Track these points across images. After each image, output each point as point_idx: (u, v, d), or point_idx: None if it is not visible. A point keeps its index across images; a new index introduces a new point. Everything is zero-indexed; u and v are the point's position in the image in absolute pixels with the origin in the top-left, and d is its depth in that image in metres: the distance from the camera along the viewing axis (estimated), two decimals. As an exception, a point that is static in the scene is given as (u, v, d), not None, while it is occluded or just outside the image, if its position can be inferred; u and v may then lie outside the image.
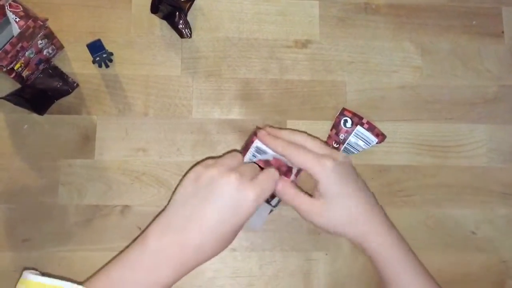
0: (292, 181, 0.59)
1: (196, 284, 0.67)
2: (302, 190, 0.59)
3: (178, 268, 0.51)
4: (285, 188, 0.58)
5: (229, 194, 0.51)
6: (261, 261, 0.68)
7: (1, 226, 0.66)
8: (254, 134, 0.60)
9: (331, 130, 0.71)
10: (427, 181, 0.72)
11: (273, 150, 0.58)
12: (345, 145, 0.69)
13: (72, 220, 0.67)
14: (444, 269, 0.70)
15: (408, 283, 0.57)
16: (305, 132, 0.62)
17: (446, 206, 0.71)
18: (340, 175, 0.56)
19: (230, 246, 0.66)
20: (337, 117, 0.71)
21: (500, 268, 0.70)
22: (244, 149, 0.61)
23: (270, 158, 0.60)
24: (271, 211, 0.67)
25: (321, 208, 0.56)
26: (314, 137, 0.61)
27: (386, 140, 0.71)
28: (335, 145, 0.70)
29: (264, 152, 0.59)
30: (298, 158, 0.56)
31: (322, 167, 0.55)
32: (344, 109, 0.71)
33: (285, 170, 0.59)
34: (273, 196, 0.63)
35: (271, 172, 0.56)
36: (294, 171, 0.60)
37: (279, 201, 0.66)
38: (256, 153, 0.60)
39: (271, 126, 0.67)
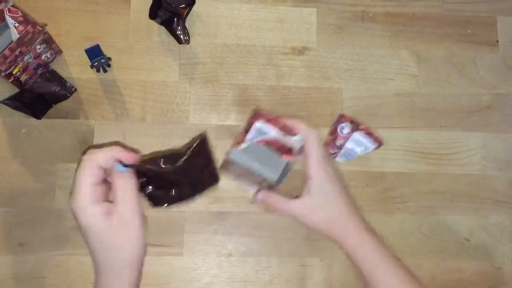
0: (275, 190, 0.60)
1: (192, 289, 0.67)
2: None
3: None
4: (267, 197, 0.59)
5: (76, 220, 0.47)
6: (257, 266, 0.68)
7: (-2, 230, 0.66)
8: (254, 115, 0.59)
9: (328, 136, 0.72)
10: (421, 188, 0.72)
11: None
12: (342, 151, 0.70)
13: (68, 224, 0.67)
14: (438, 275, 0.71)
15: (385, 277, 0.57)
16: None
17: (440, 213, 0.72)
18: (331, 177, 0.57)
19: (225, 252, 0.67)
20: (334, 123, 0.71)
21: (493, 275, 0.71)
22: (245, 131, 0.60)
23: (271, 139, 0.59)
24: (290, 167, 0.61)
25: (311, 207, 0.57)
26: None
27: (381, 147, 0.72)
28: (332, 151, 0.70)
29: (265, 133, 0.59)
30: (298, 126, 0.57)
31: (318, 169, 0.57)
32: (341, 116, 0.72)
33: (286, 149, 0.59)
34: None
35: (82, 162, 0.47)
36: (295, 150, 0.59)
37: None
38: (257, 134, 0.59)
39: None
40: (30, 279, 0.65)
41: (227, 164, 0.59)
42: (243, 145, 0.58)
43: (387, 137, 0.73)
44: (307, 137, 0.57)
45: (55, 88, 0.69)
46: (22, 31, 0.61)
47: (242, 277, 0.68)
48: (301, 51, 0.75)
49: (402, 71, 0.75)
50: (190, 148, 0.51)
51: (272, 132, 0.59)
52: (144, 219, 0.48)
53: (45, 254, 0.66)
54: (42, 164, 0.68)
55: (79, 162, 0.47)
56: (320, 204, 0.57)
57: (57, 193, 0.67)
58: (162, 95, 0.71)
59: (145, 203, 0.51)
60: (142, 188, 0.50)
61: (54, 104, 0.69)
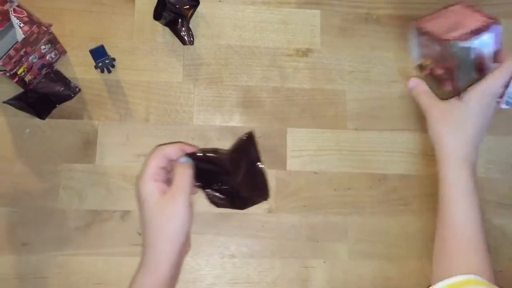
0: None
1: (195, 290, 0.67)
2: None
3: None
4: (419, 85, 0.67)
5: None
6: (260, 268, 0.68)
7: (2, 229, 0.66)
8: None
9: None
10: (424, 190, 0.72)
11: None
12: (505, 97, 0.67)
13: (72, 224, 0.67)
14: (441, 278, 0.70)
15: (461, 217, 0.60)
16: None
17: (443, 215, 0.72)
18: (487, 98, 0.62)
19: (228, 253, 0.67)
20: None
21: (495, 278, 0.70)
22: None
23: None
24: None
25: (444, 115, 0.62)
26: None
27: (385, 149, 0.72)
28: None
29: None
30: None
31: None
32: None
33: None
34: None
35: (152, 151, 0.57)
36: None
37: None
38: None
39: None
40: (33, 279, 0.65)
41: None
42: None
43: (391, 140, 0.73)
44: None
45: (59, 88, 0.69)
46: (28, 31, 0.61)
47: (245, 278, 0.68)
48: (305, 52, 0.75)
49: (405, 73, 0.75)
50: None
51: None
52: (191, 205, 0.55)
53: (48, 254, 0.66)
54: (45, 164, 0.68)
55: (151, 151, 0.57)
56: (455, 120, 0.62)
57: (60, 193, 0.67)
58: (166, 96, 0.71)
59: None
60: (202, 186, 0.60)
61: (58, 104, 0.69)
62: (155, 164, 0.55)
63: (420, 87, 0.67)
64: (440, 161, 0.63)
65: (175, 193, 0.54)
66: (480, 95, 0.61)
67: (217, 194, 0.61)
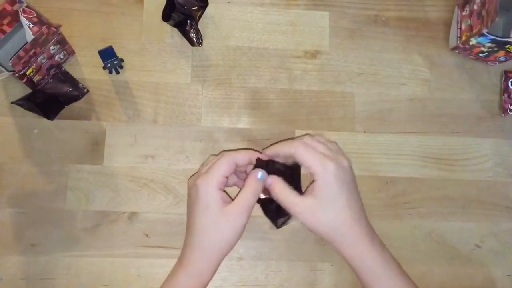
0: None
1: (202, 292, 0.67)
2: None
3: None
4: (276, 184, 0.55)
5: (192, 195, 0.56)
6: (267, 270, 0.68)
7: (10, 230, 0.66)
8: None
9: (502, 95, 0.74)
10: (433, 193, 0.72)
11: (280, 152, 0.56)
12: None
13: (79, 225, 0.67)
14: (448, 282, 0.70)
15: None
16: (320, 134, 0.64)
17: (451, 219, 0.72)
18: (338, 179, 0.53)
19: (236, 255, 0.67)
20: (504, 81, 0.74)
21: (504, 282, 0.70)
22: None
23: None
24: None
25: (312, 208, 0.53)
26: (330, 140, 0.60)
27: (393, 152, 0.72)
28: (511, 107, 0.73)
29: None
30: (303, 156, 0.54)
31: (324, 169, 0.53)
32: (508, 72, 0.74)
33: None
34: (279, 214, 0.63)
35: (222, 156, 0.56)
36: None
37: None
38: None
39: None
40: (40, 280, 0.65)
41: None
42: None
43: (399, 142, 0.73)
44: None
45: (68, 89, 0.69)
46: (37, 32, 0.61)
47: (252, 281, 0.68)
48: (314, 54, 0.75)
49: (414, 76, 0.75)
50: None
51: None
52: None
53: (56, 255, 0.66)
54: (53, 165, 0.68)
55: (219, 153, 0.58)
56: (323, 206, 0.53)
57: (68, 194, 0.67)
58: (174, 97, 0.71)
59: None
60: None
61: (66, 105, 0.69)
62: (224, 172, 0.54)
63: (277, 185, 0.55)
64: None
65: (241, 210, 0.53)
66: (328, 174, 0.54)
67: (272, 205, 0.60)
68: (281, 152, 0.56)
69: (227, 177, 0.55)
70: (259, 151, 0.58)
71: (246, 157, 0.56)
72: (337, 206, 0.54)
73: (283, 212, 0.61)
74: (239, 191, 0.55)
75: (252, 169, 0.56)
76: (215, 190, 0.53)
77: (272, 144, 0.58)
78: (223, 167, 0.54)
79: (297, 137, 0.71)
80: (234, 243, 0.54)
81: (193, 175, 0.62)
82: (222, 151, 0.64)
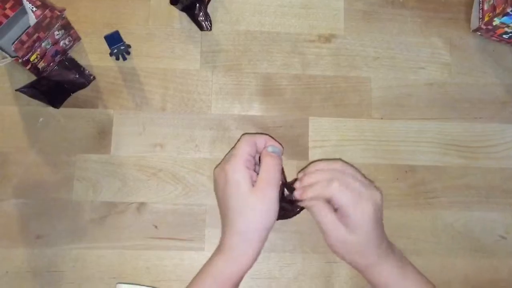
0: None
1: (213, 285, 0.65)
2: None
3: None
4: (322, 210, 0.55)
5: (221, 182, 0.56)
6: (281, 263, 0.66)
7: (15, 221, 0.64)
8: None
9: None
10: (454, 182, 0.69)
11: (318, 196, 0.55)
12: None
13: (87, 216, 0.65)
14: (471, 274, 0.67)
15: None
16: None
17: (474, 209, 0.68)
18: (374, 220, 0.54)
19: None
20: None
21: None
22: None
23: None
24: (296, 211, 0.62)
25: (344, 237, 0.54)
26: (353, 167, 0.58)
27: (412, 139, 0.69)
28: None
29: None
30: (340, 200, 0.53)
31: (362, 212, 0.53)
32: None
33: None
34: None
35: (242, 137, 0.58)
36: None
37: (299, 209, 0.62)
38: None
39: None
40: (47, 273, 0.63)
41: None
42: None
43: (418, 129, 0.70)
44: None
45: (73, 76, 0.67)
46: (40, 15, 0.59)
47: (266, 274, 0.65)
48: (328, 38, 0.72)
49: (434, 59, 0.72)
50: None
51: None
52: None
53: (63, 247, 0.64)
54: (59, 155, 0.66)
55: (239, 140, 0.58)
56: (355, 238, 0.54)
57: (75, 184, 0.65)
58: (183, 84, 0.69)
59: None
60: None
61: (72, 93, 0.67)
62: (248, 150, 0.55)
63: (318, 203, 0.56)
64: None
65: (266, 187, 0.53)
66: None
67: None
68: (319, 196, 0.55)
69: (252, 157, 0.56)
70: (275, 139, 0.60)
71: (263, 140, 0.58)
72: (368, 239, 0.54)
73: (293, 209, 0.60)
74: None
75: None
76: (244, 169, 0.54)
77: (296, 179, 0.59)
78: (245, 147, 0.55)
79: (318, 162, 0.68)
80: (270, 221, 0.54)
81: (217, 165, 0.60)
82: (242, 134, 0.64)
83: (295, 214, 0.62)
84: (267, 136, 0.59)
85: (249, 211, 0.53)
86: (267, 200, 0.53)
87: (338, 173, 0.55)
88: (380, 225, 0.56)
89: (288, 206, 0.60)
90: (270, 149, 0.57)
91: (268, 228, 0.54)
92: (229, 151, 0.60)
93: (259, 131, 0.68)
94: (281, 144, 0.60)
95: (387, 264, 0.56)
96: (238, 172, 0.54)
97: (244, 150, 0.55)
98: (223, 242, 0.55)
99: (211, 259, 0.56)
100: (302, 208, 0.61)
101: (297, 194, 0.56)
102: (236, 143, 0.59)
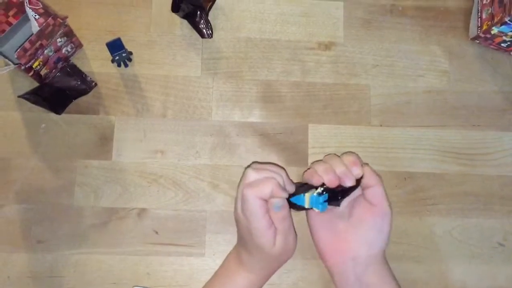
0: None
1: (213, 291, 0.65)
2: None
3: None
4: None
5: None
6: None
7: (16, 226, 0.65)
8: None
9: None
10: (453, 189, 0.69)
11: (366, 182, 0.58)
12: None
13: (88, 222, 0.65)
14: (470, 281, 0.67)
15: None
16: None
17: (473, 216, 0.69)
18: (389, 222, 0.59)
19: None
20: None
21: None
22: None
23: None
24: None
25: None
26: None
27: (411, 146, 0.69)
28: None
29: None
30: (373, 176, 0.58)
31: (386, 213, 0.59)
32: None
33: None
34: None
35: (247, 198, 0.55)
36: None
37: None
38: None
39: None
40: (47, 278, 0.64)
41: None
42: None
43: (417, 136, 0.70)
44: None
45: (75, 82, 0.68)
46: (43, 23, 0.59)
47: (265, 280, 0.66)
48: (328, 46, 0.72)
49: (432, 67, 0.72)
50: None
51: None
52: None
53: (64, 252, 0.64)
54: (61, 161, 0.67)
55: (241, 181, 0.56)
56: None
57: (76, 190, 0.66)
58: (184, 91, 0.69)
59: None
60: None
61: (74, 99, 0.68)
62: (263, 210, 0.53)
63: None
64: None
65: (284, 242, 0.56)
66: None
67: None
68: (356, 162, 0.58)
69: (266, 211, 0.54)
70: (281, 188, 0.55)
71: (268, 192, 0.53)
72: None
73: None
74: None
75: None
76: (268, 232, 0.54)
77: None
78: (260, 210, 0.53)
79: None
80: (283, 262, 0.61)
81: (234, 206, 0.58)
82: (246, 168, 0.60)
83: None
84: (270, 185, 0.53)
85: (272, 260, 0.58)
86: (289, 249, 0.58)
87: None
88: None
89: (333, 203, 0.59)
90: (275, 208, 0.54)
91: (280, 266, 0.61)
92: (238, 187, 0.57)
93: (260, 138, 0.69)
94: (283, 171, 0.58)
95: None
96: (264, 238, 0.54)
97: (262, 213, 0.53)
98: (245, 264, 0.58)
99: (231, 270, 0.60)
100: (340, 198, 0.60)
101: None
102: (241, 185, 0.56)
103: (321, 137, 0.69)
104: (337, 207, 0.60)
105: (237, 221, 0.58)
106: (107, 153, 0.67)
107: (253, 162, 0.66)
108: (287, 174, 0.58)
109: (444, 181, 0.69)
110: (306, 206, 0.56)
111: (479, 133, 0.71)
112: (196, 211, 0.67)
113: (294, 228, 0.59)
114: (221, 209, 0.66)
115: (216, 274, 0.61)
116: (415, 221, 0.68)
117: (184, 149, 0.68)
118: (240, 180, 0.57)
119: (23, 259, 0.64)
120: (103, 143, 0.67)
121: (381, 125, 0.70)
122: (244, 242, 0.57)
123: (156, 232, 0.66)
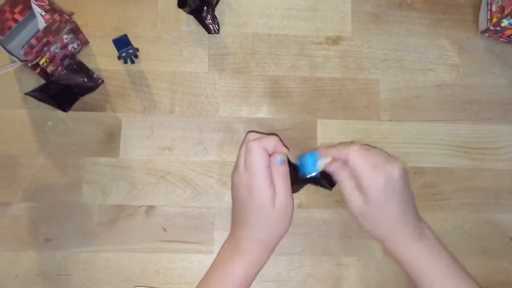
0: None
1: (222, 288, 0.65)
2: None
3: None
4: (344, 178, 0.55)
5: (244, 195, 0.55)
6: (290, 265, 0.65)
7: (24, 224, 0.64)
8: None
9: None
10: (463, 184, 0.68)
11: (337, 155, 0.56)
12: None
13: (96, 220, 0.65)
14: (481, 276, 0.66)
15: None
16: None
17: (484, 211, 0.68)
18: (387, 194, 0.53)
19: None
20: None
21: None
22: None
23: None
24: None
25: (359, 203, 0.54)
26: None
27: (421, 141, 0.69)
28: None
29: None
30: (357, 167, 0.53)
31: (373, 182, 0.52)
32: None
33: None
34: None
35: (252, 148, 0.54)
36: None
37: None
38: None
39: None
40: (56, 276, 0.63)
41: None
42: None
43: (427, 131, 0.69)
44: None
45: (82, 79, 0.67)
46: (49, 19, 0.59)
47: (274, 276, 0.65)
48: (335, 40, 0.71)
49: (442, 61, 0.72)
50: None
51: None
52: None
53: (72, 250, 0.64)
54: (68, 158, 0.66)
55: (244, 141, 0.55)
56: (370, 211, 0.54)
57: (84, 187, 0.65)
58: (191, 87, 0.69)
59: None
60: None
61: (81, 96, 0.67)
62: (264, 165, 0.53)
63: (345, 179, 0.56)
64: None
65: (284, 200, 0.54)
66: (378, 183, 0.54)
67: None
68: (337, 155, 0.55)
69: (268, 166, 0.54)
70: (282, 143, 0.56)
71: (271, 144, 0.54)
72: (381, 211, 0.54)
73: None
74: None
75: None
76: (268, 188, 0.53)
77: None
78: (262, 162, 0.53)
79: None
80: (287, 229, 0.56)
81: (234, 170, 0.56)
82: (247, 132, 0.61)
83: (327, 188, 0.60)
84: (274, 139, 0.55)
85: (271, 224, 0.55)
86: (288, 213, 0.55)
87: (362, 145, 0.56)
88: (398, 201, 0.54)
89: (324, 182, 0.59)
90: (278, 161, 0.54)
91: (282, 235, 0.57)
92: (240, 149, 0.56)
93: (267, 134, 0.68)
94: (286, 145, 0.57)
95: (411, 244, 0.55)
96: (264, 193, 0.53)
97: (262, 166, 0.53)
98: (241, 245, 0.56)
99: (228, 259, 0.56)
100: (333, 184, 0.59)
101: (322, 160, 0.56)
102: (243, 145, 0.55)
103: (330, 133, 0.69)
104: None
105: (235, 186, 0.56)
106: (115, 150, 0.67)
107: (250, 131, 0.64)
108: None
109: (454, 176, 0.68)
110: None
111: (490, 127, 0.70)
112: (204, 207, 0.66)
113: (293, 198, 0.56)
114: (230, 206, 0.66)
115: (211, 267, 0.59)
116: (426, 216, 0.67)
117: (192, 146, 0.67)
118: (242, 142, 0.56)
119: (31, 257, 0.64)
120: (110, 140, 0.67)
121: (390, 120, 0.69)
122: (243, 210, 0.55)
123: (165, 229, 0.65)
